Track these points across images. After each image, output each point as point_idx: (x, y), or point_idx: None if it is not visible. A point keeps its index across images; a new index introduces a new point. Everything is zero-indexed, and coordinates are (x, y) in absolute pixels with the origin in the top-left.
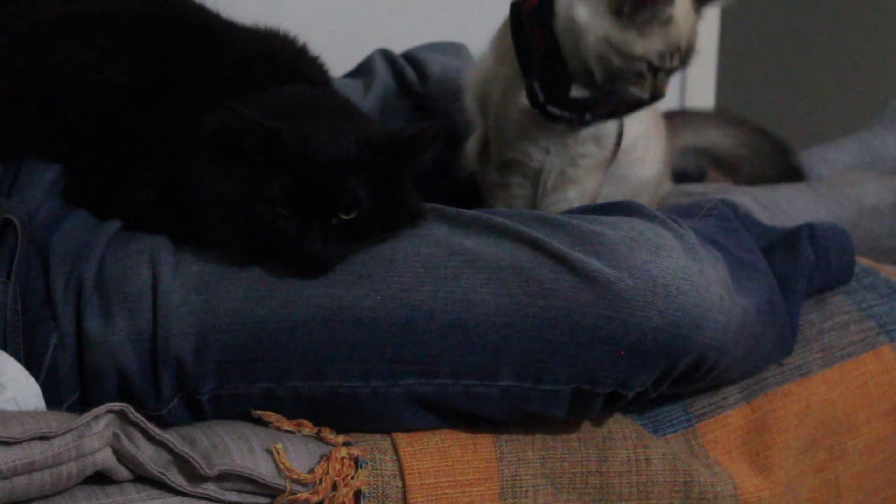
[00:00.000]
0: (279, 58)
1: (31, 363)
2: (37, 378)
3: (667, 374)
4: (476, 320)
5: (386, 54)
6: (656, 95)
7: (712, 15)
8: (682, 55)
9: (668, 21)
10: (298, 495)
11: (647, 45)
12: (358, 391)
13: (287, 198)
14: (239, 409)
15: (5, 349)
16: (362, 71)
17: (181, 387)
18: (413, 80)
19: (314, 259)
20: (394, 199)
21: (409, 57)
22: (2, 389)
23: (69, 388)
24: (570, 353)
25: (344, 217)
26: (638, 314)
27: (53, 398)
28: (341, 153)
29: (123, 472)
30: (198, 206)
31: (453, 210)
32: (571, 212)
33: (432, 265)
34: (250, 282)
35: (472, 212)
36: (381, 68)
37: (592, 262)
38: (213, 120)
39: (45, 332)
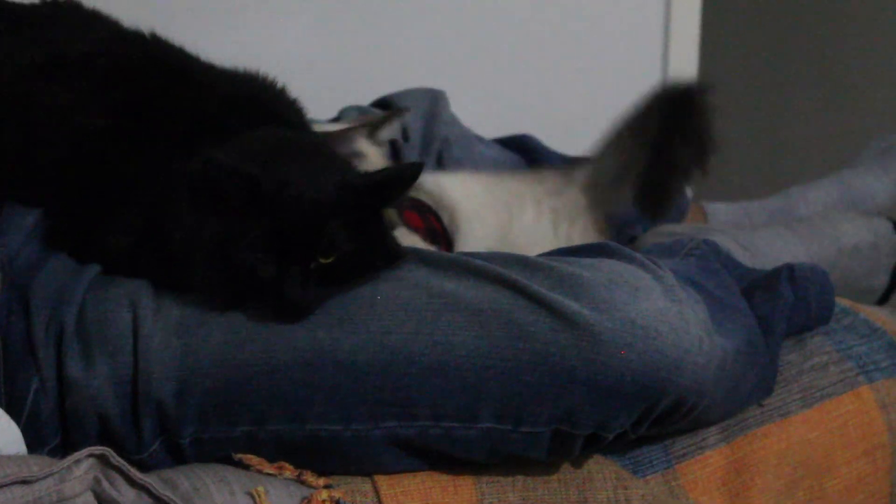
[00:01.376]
0: (258, 100)
1: (12, 408)
2: (18, 422)
3: (646, 416)
4: (456, 362)
5: (359, 108)
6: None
7: (692, 47)
8: None
9: (362, 155)
10: None
11: None
12: (339, 434)
13: (266, 243)
14: (220, 453)
15: None
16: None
17: (162, 430)
18: None
19: (294, 303)
20: (373, 241)
21: (385, 103)
22: None
23: (51, 432)
24: (550, 395)
25: (323, 261)
26: (617, 356)
27: (35, 443)
28: (320, 197)
29: None
30: (178, 252)
31: (434, 252)
32: (550, 254)
33: (412, 308)
34: (231, 325)
35: (452, 254)
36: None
37: (572, 305)
38: (193, 165)
39: (26, 376)
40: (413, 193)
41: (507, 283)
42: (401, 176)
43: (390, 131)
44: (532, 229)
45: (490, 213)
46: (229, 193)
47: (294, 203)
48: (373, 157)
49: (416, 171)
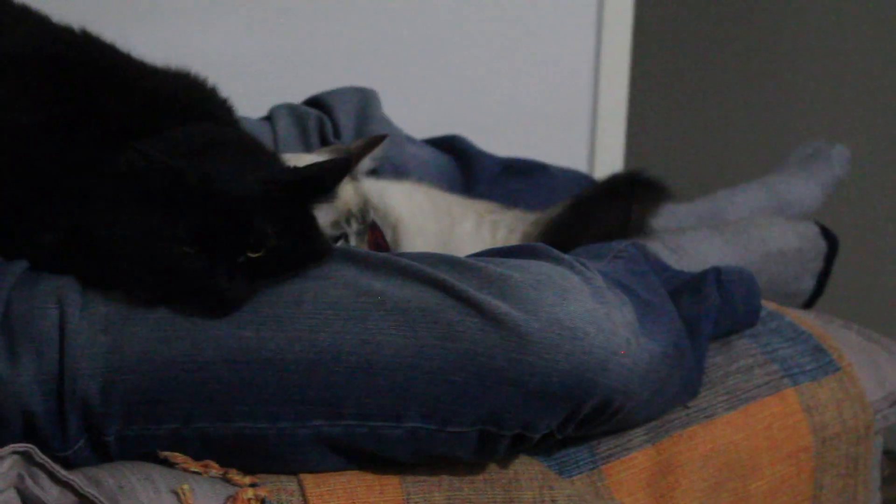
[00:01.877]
0: (188, 98)
1: None
2: None
3: (572, 417)
4: (383, 362)
5: (289, 107)
6: None
7: (622, 71)
8: (359, 216)
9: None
10: None
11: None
12: (265, 432)
13: (193, 237)
14: (146, 451)
15: None
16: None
17: (87, 428)
18: (313, 128)
19: (222, 298)
20: (301, 236)
21: (316, 102)
22: None
23: None
24: (477, 395)
25: (251, 255)
26: (544, 357)
27: None
28: (246, 191)
29: None
30: (104, 247)
31: (363, 252)
32: (480, 254)
33: (340, 307)
34: (158, 323)
35: (382, 254)
36: (282, 116)
37: (500, 305)
38: (120, 161)
39: None
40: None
41: (435, 282)
42: (328, 171)
43: (369, 161)
44: (471, 237)
45: (431, 223)
46: (155, 186)
47: (219, 196)
48: (348, 194)
49: (343, 167)
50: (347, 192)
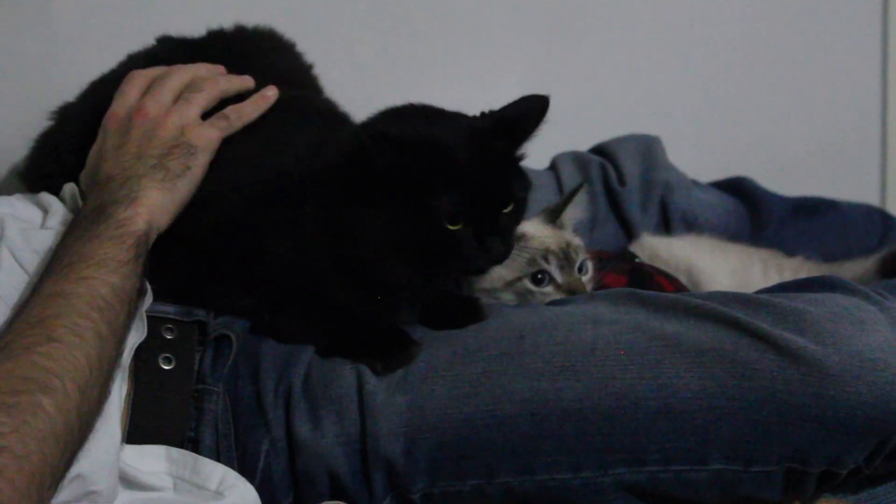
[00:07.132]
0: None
1: (245, 469)
2: (251, 483)
3: (879, 449)
4: (682, 405)
5: (573, 154)
6: (572, 290)
7: None
8: (560, 254)
9: (521, 237)
10: None
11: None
12: (568, 483)
13: (457, 211)
14: None
15: (219, 457)
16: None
17: (393, 486)
18: (595, 175)
19: (494, 260)
20: (521, 178)
21: (601, 150)
22: (221, 498)
23: (283, 491)
24: (780, 432)
25: (505, 212)
26: (846, 390)
27: (270, 502)
28: (491, 152)
29: None
30: (362, 257)
31: (652, 294)
32: (771, 289)
33: (634, 352)
34: (454, 380)
35: (671, 295)
36: (566, 163)
37: (796, 340)
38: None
39: (257, 438)
40: (649, 260)
41: (728, 321)
42: (527, 110)
43: (575, 211)
44: (760, 283)
45: (725, 269)
46: (403, 168)
47: (476, 163)
48: (545, 234)
49: (542, 104)
50: (544, 233)
